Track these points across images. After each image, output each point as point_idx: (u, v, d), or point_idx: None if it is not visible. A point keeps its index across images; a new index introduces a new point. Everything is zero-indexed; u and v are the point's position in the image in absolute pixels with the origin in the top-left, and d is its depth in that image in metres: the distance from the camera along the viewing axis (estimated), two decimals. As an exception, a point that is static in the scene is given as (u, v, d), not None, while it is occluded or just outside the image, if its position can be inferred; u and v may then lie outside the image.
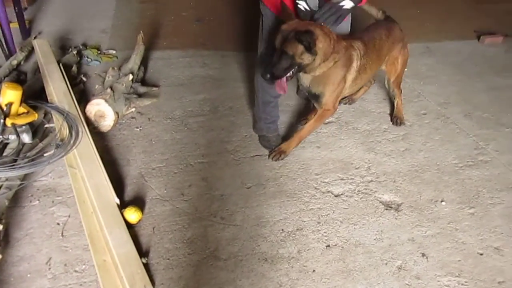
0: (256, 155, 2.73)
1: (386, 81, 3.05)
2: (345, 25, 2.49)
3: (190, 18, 4.69)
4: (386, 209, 2.39)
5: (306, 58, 2.23)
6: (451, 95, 3.51)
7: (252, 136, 2.90)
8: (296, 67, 2.27)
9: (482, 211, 2.42)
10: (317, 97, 2.52)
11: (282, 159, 2.67)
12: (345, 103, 3.28)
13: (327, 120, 3.08)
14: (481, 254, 2.16)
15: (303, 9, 2.24)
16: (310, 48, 2.18)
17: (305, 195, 2.46)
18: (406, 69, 3.65)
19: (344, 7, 2.18)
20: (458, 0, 5.58)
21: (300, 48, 2.18)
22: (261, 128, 2.84)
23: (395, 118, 3.12)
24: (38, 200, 2.27)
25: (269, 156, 2.70)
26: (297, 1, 2.24)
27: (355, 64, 2.49)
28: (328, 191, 2.49)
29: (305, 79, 2.47)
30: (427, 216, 2.37)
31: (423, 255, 2.14)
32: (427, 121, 3.18)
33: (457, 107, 3.35)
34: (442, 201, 2.46)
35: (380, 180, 2.60)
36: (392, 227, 2.28)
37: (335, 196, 2.46)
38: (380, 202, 2.44)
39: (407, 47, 2.94)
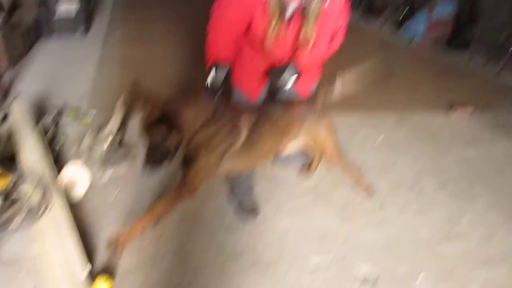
0: (232, 225, 2.70)
1: None
2: None
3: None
4: (362, 285, 2.36)
5: None
6: (425, 166, 3.58)
7: (228, 206, 2.87)
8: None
9: (459, 287, 2.40)
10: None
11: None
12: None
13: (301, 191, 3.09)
14: (459, 333, 2.12)
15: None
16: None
17: (281, 266, 2.41)
18: (380, 138, 3.73)
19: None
20: (426, 71, 5.90)
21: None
22: (236, 198, 2.83)
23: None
24: (4, 268, 2.17)
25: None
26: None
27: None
28: (304, 263, 2.45)
29: None
30: (404, 291, 2.34)
31: (401, 334, 2.09)
32: (402, 191, 3.21)
33: (431, 178, 3.41)
34: (418, 275, 2.45)
35: (357, 252, 2.58)
36: (369, 303, 2.24)
37: (311, 268, 2.42)
38: (356, 276, 2.41)
39: (321, 126, 2.62)
